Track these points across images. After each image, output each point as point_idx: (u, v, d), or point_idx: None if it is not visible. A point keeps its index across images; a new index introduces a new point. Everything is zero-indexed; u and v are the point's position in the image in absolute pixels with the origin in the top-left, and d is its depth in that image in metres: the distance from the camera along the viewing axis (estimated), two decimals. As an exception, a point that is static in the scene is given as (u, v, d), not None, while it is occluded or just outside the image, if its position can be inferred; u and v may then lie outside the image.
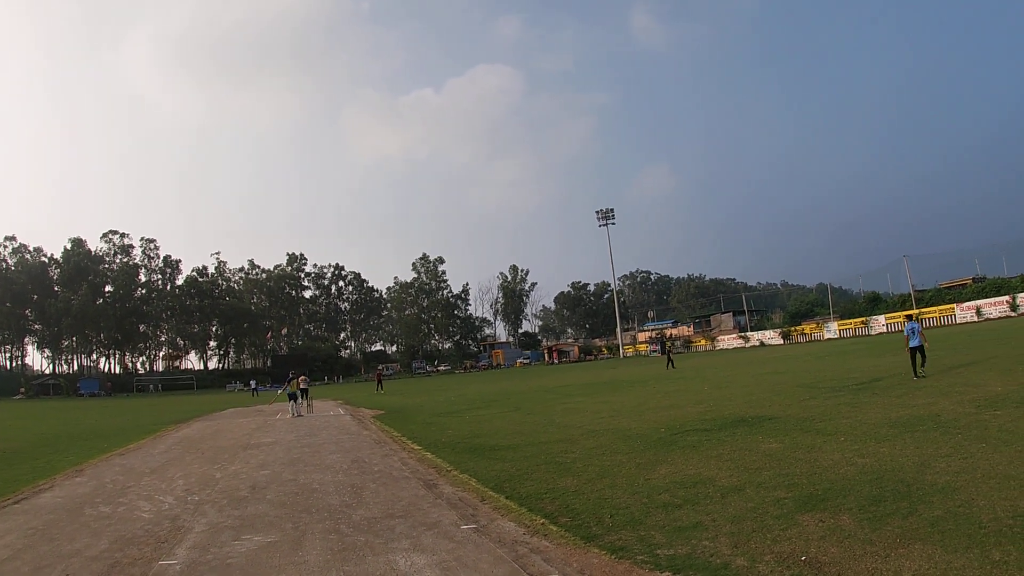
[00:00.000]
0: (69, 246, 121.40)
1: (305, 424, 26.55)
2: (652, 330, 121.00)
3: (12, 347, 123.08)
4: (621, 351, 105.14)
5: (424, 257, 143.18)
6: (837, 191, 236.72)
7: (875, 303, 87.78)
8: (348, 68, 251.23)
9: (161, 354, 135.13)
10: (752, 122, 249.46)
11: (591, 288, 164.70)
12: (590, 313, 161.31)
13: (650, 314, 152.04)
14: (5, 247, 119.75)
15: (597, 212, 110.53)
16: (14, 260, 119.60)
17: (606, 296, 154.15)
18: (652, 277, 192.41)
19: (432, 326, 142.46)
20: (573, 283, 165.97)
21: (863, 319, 74.22)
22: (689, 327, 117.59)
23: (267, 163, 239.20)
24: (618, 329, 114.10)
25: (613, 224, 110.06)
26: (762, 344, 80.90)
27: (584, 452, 12.78)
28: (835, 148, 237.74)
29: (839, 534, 6.34)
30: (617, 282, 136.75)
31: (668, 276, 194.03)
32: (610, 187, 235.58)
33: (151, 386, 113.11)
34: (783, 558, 5.90)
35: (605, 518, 7.88)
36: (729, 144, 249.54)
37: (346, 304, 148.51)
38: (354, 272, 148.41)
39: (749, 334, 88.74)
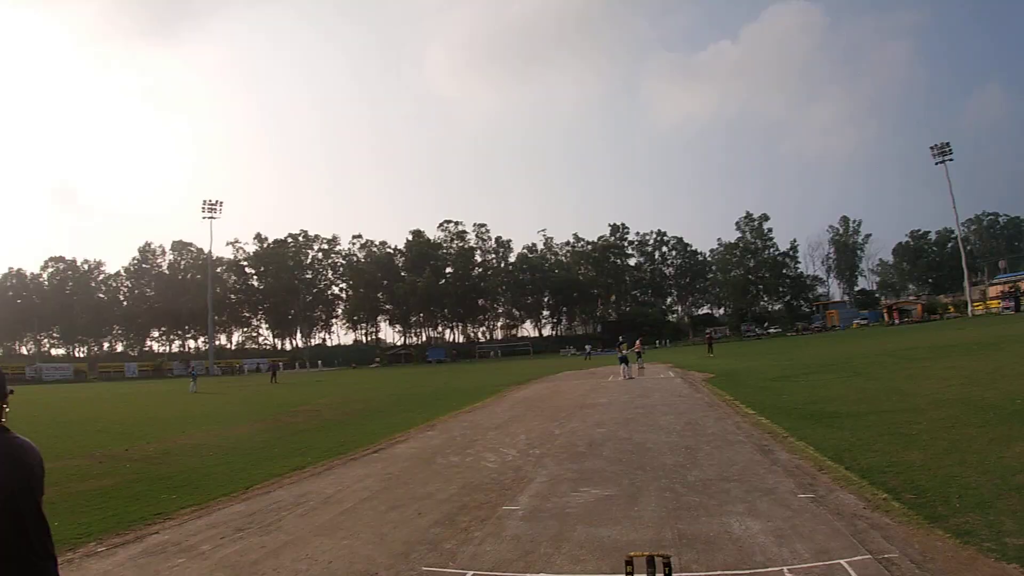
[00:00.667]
0: (410, 237, 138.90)
1: (637, 386, 27.11)
2: (1004, 283, 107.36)
3: (368, 324, 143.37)
4: (970, 308, 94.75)
5: (748, 216, 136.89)
6: None
7: None
8: (637, 36, 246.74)
9: (499, 324, 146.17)
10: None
11: (932, 237, 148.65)
12: (933, 266, 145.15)
13: (1001, 264, 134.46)
14: (353, 244, 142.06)
15: (932, 148, 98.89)
16: (363, 254, 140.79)
17: (950, 245, 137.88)
18: (1001, 220, 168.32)
19: (760, 287, 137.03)
20: (911, 232, 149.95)
21: None
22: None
23: (576, 143, 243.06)
24: (966, 283, 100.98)
25: (951, 160, 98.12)
26: None
27: (930, 423, 11.98)
28: None
29: None
30: (961, 228, 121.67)
31: (1019, 218, 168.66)
32: (939, 118, 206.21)
33: (491, 352, 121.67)
34: None
35: (952, 498, 7.39)
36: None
37: (670, 269, 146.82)
38: (676, 237, 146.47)
39: None
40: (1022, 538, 6.07)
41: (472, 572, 6.28)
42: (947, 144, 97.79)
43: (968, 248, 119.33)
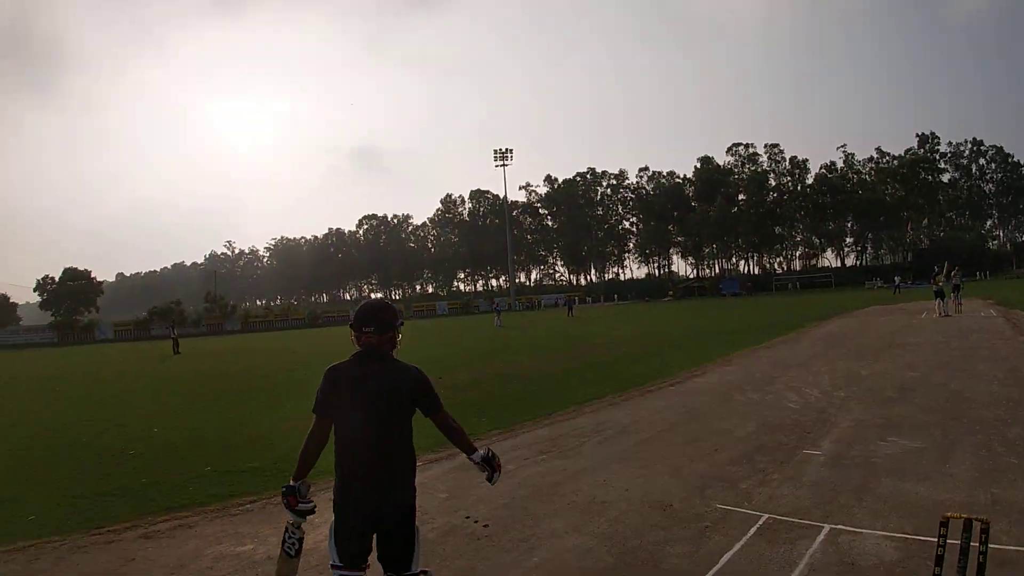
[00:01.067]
0: (699, 165, 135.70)
1: (953, 325, 25.18)
2: None
3: (659, 258, 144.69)
4: None
5: None
6: None
7: None
8: None
9: (797, 254, 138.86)
10: None
11: None
12: None
13: None
14: (640, 177, 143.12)
15: None
16: (651, 186, 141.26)
17: None
18: None
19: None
20: None
21: None
22: None
23: (868, 44, 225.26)
24: None
25: None
26: None
27: None
28: None
29: None
30: None
31: None
32: None
33: (789, 285, 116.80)
34: None
35: None
36: None
37: (990, 186, 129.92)
38: (995, 146, 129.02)
39: None
40: None
41: (767, 515, 6.18)
42: None
43: None
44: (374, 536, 3.66)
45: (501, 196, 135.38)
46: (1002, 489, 6.54)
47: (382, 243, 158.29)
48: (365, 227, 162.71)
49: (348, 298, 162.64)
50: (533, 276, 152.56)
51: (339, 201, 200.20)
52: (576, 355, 22.35)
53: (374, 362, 3.74)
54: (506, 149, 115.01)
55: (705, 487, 7.07)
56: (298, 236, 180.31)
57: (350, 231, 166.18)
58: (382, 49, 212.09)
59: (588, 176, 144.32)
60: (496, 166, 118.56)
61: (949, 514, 3.84)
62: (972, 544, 3.67)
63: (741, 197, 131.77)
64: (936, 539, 3.78)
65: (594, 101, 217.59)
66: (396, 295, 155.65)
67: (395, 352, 3.91)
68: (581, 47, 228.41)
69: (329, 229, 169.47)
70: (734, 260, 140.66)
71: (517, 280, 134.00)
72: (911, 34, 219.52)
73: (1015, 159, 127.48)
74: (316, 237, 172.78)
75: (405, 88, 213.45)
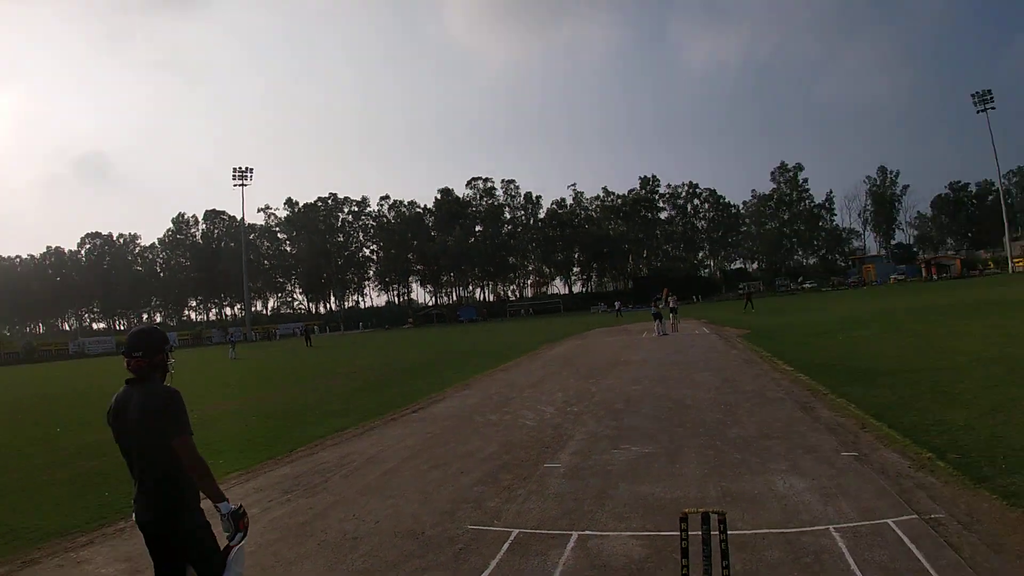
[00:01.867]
0: (439, 196, 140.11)
1: (671, 342, 27.21)
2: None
3: (399, 285, 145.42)
4: (1011, 265, 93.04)
5: (782, 166, 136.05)
6: None
7: None
8: None
9: (529, 281, 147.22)
10: None
11: (972, 189, 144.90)
12: (972, 219, 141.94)
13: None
14: (382, 205, 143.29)
15: (972, 95, 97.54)
16: (392, 215, 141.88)
17: (990, 198, 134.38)
18: None
19: (795, 240, 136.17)
20: (951, 183, 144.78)
21: None
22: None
23: (604, 93, 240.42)
24: (1006, 238, 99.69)
25: (992, 109, 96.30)
26: None
27: (973, 382, 11.83)
28: None
29: None
30: (1002, 180, 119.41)
31: None
32: (980, 65, 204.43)
33: (522, 310, 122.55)
34: None
35: (998, 459, 7.29)
36: None
37: (702, 222, 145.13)
38: (708, 189, 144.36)
39: None
40: (1074, 500, 6.01)
41: (518, 530, 6.36)
42: (988, 92, 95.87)
43: (1009, 201, 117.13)
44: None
45: (239, 218, 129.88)
46: (729, 482, 7.34)
47: (106, 265, 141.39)
48: (88, 246, 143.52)
49: (68, 328, 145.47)
50: (270, 304, 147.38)
51: (59, 216, 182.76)
52: (316, 386, 21.84)
53: (138, 386, 3.78)
54: (246, 168, 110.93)
55: (455, 510, 7.11)
56: (11, 255, 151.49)
57: (71, 251, 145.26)
58: (118, 50, 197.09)
59: (330, 201, 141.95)
60: (235, 185, 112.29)
61: (687, 510, 4.14)
62: (713, 533, 3.97)
63: (478, 228, 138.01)
64: (679, 533, 4.04)
65: (338, 125, 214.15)
66: (121, 324, 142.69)
67: (169, 376, 4.00)
68: (329, 67, 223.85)
69: (48, 248, 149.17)
70: (471, 288, 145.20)
71: (253, 308, 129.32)
72: (642, 83, 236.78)
73: (725, 200, 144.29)
74: (33, 256, 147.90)
75: (139, 94, 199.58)
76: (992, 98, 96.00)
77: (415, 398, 16.52)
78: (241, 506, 3.76)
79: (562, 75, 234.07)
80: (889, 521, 5.91)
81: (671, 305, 34.97)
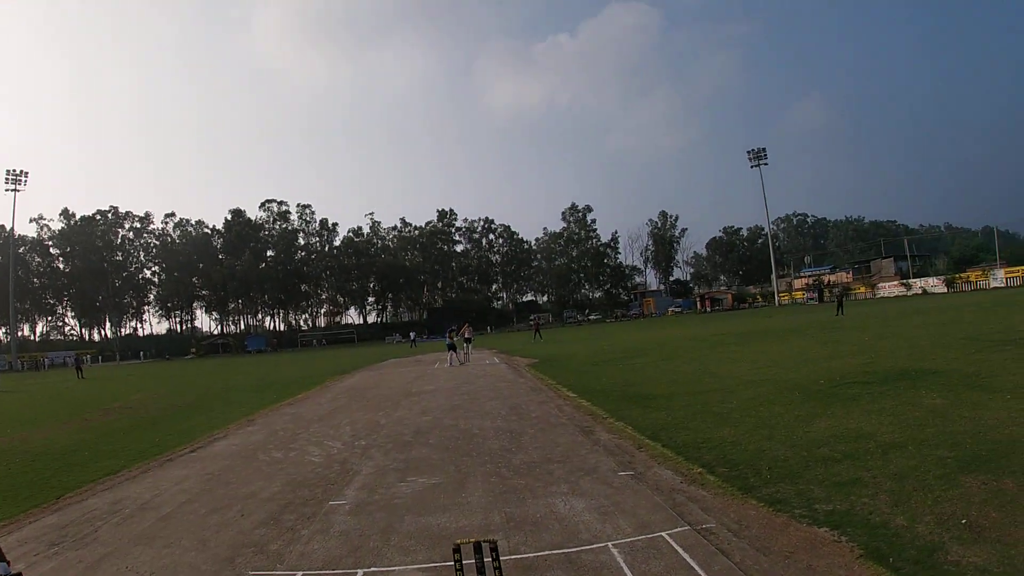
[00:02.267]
0: (229, 217, 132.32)
1: (463, 373, 27.27)
2: (809, 276, 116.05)
3: (182, 312, 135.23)
4: (776, 299, 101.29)
5: (573, 207, 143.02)
6: (1007, 121, 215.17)
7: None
8: (478, 20, 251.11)
9: (323, 311, 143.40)
10: (905, 48, 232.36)
11: (744, 233, 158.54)
12: (743, 259, 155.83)
13: (807, 259, 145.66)
14: (166, 223, 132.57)
15: (748, 152, 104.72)
16: (177, 234, 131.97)
17: (760, 241, 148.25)
18: (809, 220, 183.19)
19: (582, 275, 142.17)
20: (725, 228, 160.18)
21: (1032, 266, 68.65)
22: (848, 273, 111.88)
23: (407, 123, 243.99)
24: (773, 276, 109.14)
25: (766, 165, 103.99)
26: (924, 292, 76.35)
27: (741, 402, 12.67)
28: (1005, 68, 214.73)
29: (1002, 498, 6.11)
30: (771, 226, 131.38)
31: (825, 219, 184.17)
32: (760, 123, 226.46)
33: (314, 341, 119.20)
34: (943, 519, 5.80)
35: (763, 470, 7.87)
36: (883, 73, 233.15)
37: (497, 256, 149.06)
38: (504, 225, 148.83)
39: (911, 281, 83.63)
40: (830, 504, 6.53)
41: (301, 572, 6.14)
42: (763, 150, 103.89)
43: (777, 244, 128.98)
44: None
45: (7, 227, 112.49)
46: (514, 507, 7.42)
47: None
48: None
49: None
50: (39, 329, 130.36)
51: None
52: (86, 423, 20.17)
53: None
54: (20, 171, 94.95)
55: (235, 556, 6.74)
56: None
57: None
58: None
59: (110, 215, 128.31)
60: (7, 190, 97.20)
61: (459, 541, 4.07)
62: (486, 560, 3.90)
63: (270, 253, 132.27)
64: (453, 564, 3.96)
65: (122, 130, 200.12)
66: None
67: None
68: (115, 64, 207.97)
69: None
70: (260, 316, 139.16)
71: (20, 333, 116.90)
72: (445, 117, 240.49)
73: (518, 236, 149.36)
74: None
75: None
76: (766, 154, 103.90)
77: (195, 436, 15.58)
78: (21, 573, 3.67)
79: (367, 102, 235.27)
80: (664, 534, 6.19)
81: (466, 336, 35.38)
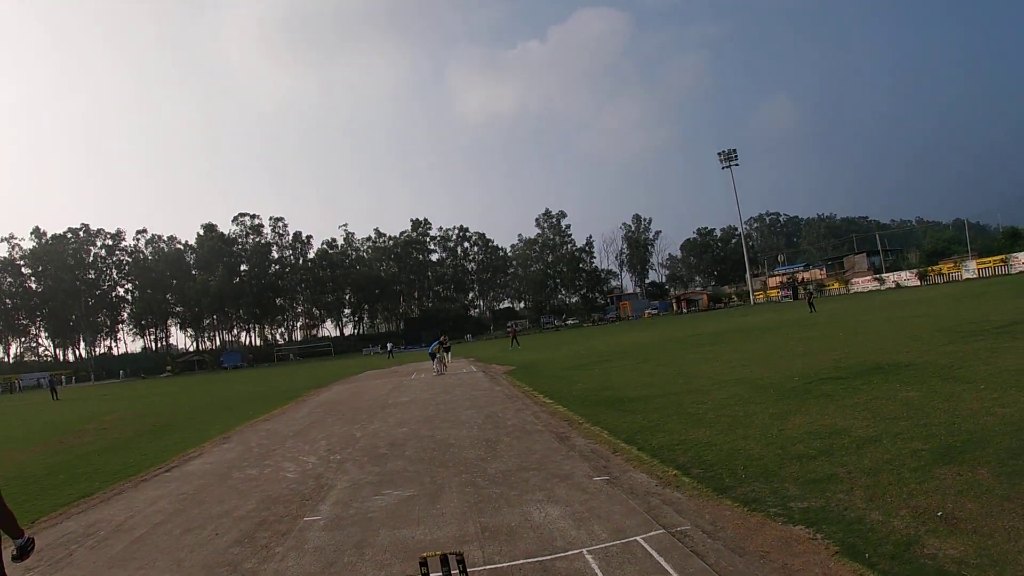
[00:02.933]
0: (202, 232, 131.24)
1: (440, 382, 27.22)
2: (783, 274, 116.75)
3: (156, 329, 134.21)
4: (751, 298, 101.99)
5: (547, 212, 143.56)
6: (973, 112, 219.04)
7: (1015, 239, 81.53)
8: (448, 28, 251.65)
9: (299, 324, 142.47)
10: (874, 44, 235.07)
11: (717, 233, 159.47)
12: (718, 260, 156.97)
13: (780, 258, 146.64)
14: (138, 239, 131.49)
15: (719, 154, 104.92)
16: (150, 250, 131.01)
17: (733, 241, 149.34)
18: (781, 219, 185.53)
19: (558, 281, 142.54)
20: (699, 229, 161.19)
21: (1002, 257, 69.44)
22: (821, 270, 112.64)
23: (379, 131, 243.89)
24: (747, 275, 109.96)
25: (737, 165, 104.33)
26: (898, 286, 77.02)
27: (716, 403, 12.69)
28: (967, 62, 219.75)
29: (977, 489, 6.12)
30: (744, 226, 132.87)
31: (798, 217, 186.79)
32: (730, 125, 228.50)
33: (291, 355, 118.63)
34: (919, 513, 5.80)
35: (738, 470, 7.87)
36: (850, 73, 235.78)
37: (472, 264, 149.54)
38: (478, 232, 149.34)
39: (884, 276, 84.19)
40: (805, 502, 6.51)
41: (277, 589, 6.02)
42: (734, 151, 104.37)
43: (750, 244, 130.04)
44: None
45: None
46: (488, 517, 7.36)
47: None
48: None
49: None
50: (12, 350, 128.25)
51: None
52: (62, 446, 19.87)
53: None
54: None
55: (209, 576, 6.66)
56: None
57: None
58: None
59: (81, 233, 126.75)
60: None
61: (425, 554, 4.02)
62: (453, 573, 3.85)
63: (244, 268, 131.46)
64: (420, 577, 3.91)
65: (95, 144, 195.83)
66: None
67: None
68: (87, 73, 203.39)
69: None
70: (236, 331, 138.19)
71: None
72: (417, 125, 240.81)
73: (493, 243, 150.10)
74: None
75: None
76: (736, 156, 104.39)
77: (169, 455, 15.38)
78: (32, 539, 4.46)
79: (338, 111, 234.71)
80: (638, 538, 6.16)
81: (446, 345, 35.45)
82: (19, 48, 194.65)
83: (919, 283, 74.79)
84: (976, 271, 69.82)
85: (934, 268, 78.07)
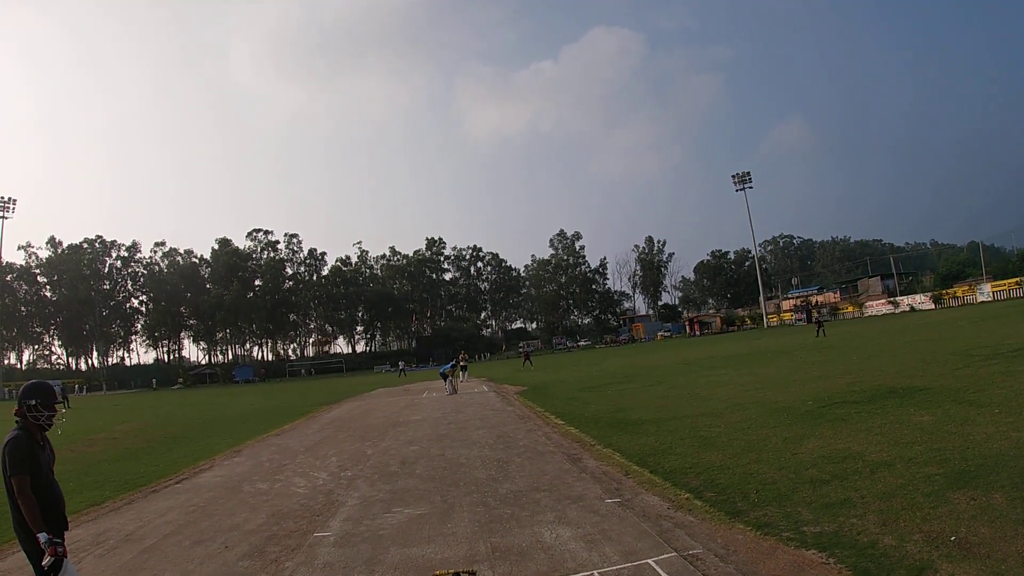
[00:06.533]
0: (217, 246, 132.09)
1: (451, 401, 27.13)
2: (796, 298, 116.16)
3: (169, 341, 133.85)
4: (765, 321, 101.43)
5: (561, 233, 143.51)
6: (989, 136, 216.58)
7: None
8: (459, 49, 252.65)
9: (311, 340, 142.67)
10: (890, 67, 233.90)
11: (731, 256, 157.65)
12: (731, 282, 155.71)
13: (794, 281, 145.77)
14: (155, 252, 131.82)
15: (733, 176, 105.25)
16: (166, 263, 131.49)
17: (747, 264, 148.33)
18: (795, 242, 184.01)
19: (571, 302, 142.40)
20: (713, 251, 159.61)
21: (1017, 280, 68.95)
22: (835, 293, 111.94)
23: (394, 149, 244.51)
24: (761, 298, 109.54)
25: (751, 188, 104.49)
26: (912, 309, 76.59)
27: (729, 426, 12.64)
28: (988, 83, 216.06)
29: (991, 513, 6.05)
30: (758, 248, 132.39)
31: (811, 240, 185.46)
32: (744, 147, 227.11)
33: (302, 371, 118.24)
34: (932, 537, 5.73)
35: (751, 494, 7.82)
36: (867, 95, 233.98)
37: (485, 284, 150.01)
38: (492, 252, 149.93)
39: (898, 299, 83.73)
40: (818, 526, 6.46)
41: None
42: (747, 173, 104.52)
43: (764, 266, 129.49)
44: None
45: None
46: (499, 537, 7.30)
47: None
48: None
49: None
50: (26, 358, 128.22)
51: None
52: (72, 455, 19.93)
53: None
54: (8, 198, 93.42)
55: (218, 589, 6.62)
56: None
57: None
58: None
59: (97, 243, 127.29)
60: None
61: (437, 572, 4.00)
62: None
63: (258, 283, 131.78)
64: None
65: (113, 156, 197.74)
66: None
67: (59, 424, 5.29)
68: (108, 87, 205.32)
69: None
70: (248, 346, 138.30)
71: (7, 362, 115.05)
72: (428, 145, 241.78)
73: (507, 263, 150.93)
74: None
75: None
76: (750, 178, 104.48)
77: (180, 467, 15.41)
78: (51, 537, 4.76)
79: (353, 129, 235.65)
80: (650, 561, 6.10)
81: (462, 363, 35.45)
82: (45, 63, 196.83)
83: (933, 306, 74.35)
84: (991, 294, 69.27)
85: (948, 291, 77.62)
